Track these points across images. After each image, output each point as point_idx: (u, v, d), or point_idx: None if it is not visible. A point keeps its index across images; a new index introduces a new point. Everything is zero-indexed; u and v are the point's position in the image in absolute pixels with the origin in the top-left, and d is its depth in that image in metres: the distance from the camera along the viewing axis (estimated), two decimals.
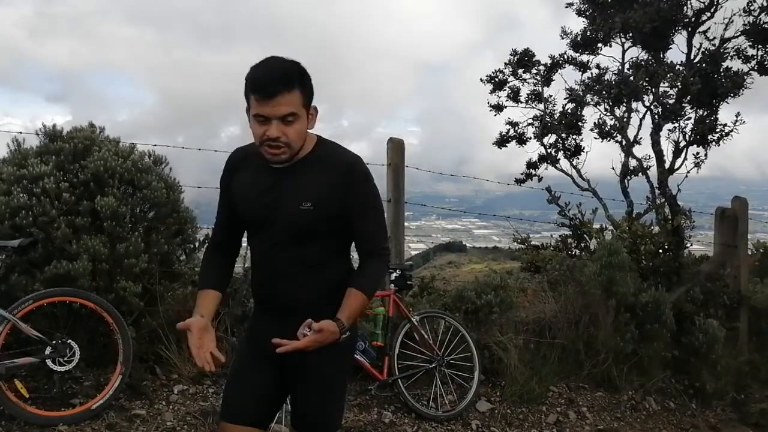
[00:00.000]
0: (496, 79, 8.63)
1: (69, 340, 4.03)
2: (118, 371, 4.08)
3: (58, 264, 4.15)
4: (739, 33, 7.38)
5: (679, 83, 7.27)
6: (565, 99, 8.33)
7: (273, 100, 2.04)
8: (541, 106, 8.61)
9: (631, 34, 7.63)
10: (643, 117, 7.83)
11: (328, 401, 2.38)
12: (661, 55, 7.58)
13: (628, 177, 8.03)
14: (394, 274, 4.94)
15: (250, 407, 2.35)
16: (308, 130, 2.21)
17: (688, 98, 7.37)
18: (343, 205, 2.21)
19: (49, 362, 3.96)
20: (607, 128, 8.01)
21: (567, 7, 8.23)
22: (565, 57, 8.38)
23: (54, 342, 3.97)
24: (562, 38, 8.28)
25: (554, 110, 8.52)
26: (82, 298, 4.05)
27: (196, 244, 5.10)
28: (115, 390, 4.06)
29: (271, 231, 2.24)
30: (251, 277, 2.42)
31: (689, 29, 7.46)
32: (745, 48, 7.47)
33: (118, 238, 4.39)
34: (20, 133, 4.68)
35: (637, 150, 7.93)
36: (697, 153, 7.66)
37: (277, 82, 2.05)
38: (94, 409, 3.97)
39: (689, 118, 7.60)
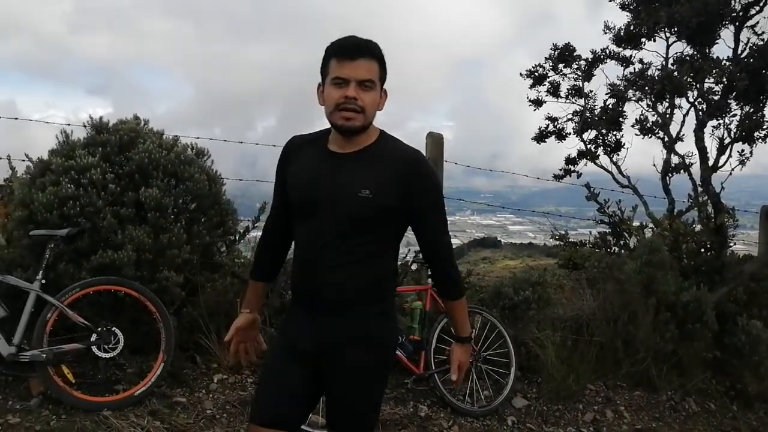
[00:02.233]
0: (536, 74, 8.55)
1: (113, 328, 4.13)
2: (160, 359, 4.17)
3: (104, 253, 4.25)
4: None
5: (725, 79, 7.11)
6: (606, 94, 8.22)
7: (355, 62, 2.11)
8: (582, 101, 8.51)
9: (676, 29, 7.47)
10: (687, 113, 7.68)
11: (367, 398, 2.34)
12: (707, 50, 7.42)
13: (670, 174, 7.89)
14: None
15: (283, 409, 2.30)
16: (377, 113, 2.22)
17: (734, 94, 7.20)
18: (403, 200, 2.19)
19: (94, 349, 4.07)
20: (649, 124, 7.87)
21: (610, 1, 8.10)
22: (607, 52, 8.25)
23: (99, 329, 4.08)
24: (605, 32, 8.15)
25: (595, 106, 8.41)
26: (126, 287, 4.15)
27: (237, 236, 5.17)
28: (157, 377, 4.15)
29: (325, 217, 2.19)
30: (293, 270, 2.35)
31: (737, 24, 7.28)
32: None
33: (162, 229, 4.47)
34: (68, 125, 4.80)
35: (679, 147, 7.79)
36: (742, 150, 7.49)
37: (362, 47, 2.14)
38: (137, 395, 4.06)
39: (734, 115, 7.42)
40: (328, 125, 2.24)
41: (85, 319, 4.05)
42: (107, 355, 4.09)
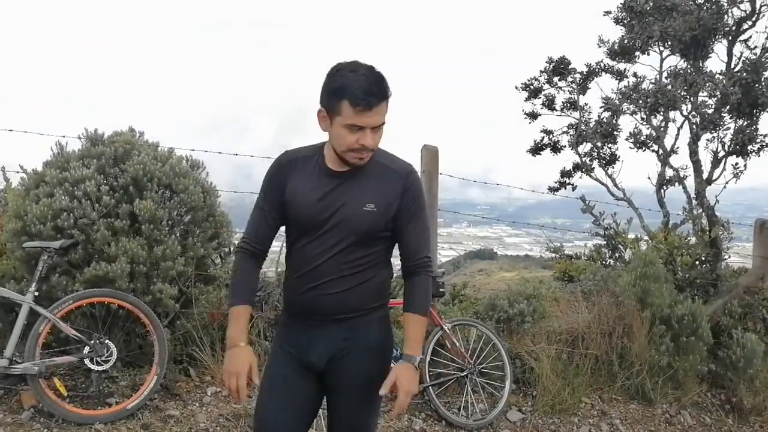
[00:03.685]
0: (531, 87, 8.61)
1: (107, 340, 4.11)
2: (153, 372, 4.15)
3: (98, 265, 4.24)
4: None
5: (718, 93, 7.16)
6: (600, 107, 8.27)
7: (372, 110, 2.09)
8: (577, 114, 8.56)
9: (669, 43, 7.54)
10: (681, 126, 7.75)
11: (366, 407, 2.39)
12: (701, 64, 7.48)
13: (665, 187, 7.94)
14: None
15: (289, 421, 2.33)
16: None
17: (728, 108, 7.25)
18: (400, 209, 2.27)
19: (87, 361, 4.05)
20: (643, 138, 7.93)
21: (605, 15, 8.17)
22: (602, 65, 8.31)
23: (92, 342, 4.06)
24: (599, 46, 8.23)
25: (590, 119, 8.46)
26: (119, 299, 4.13)
27: (231, 248, 5.16)
28: (150, 390, 4.12)
29: (331, 233, 2.22)
30: (291, 285, 2.34)
31: (730, 38, 7.35)
32: None
33: (156, 241, 4.47)
34: (63, 136, 4.79)
35: (674, 160, 7.86)
36: (736, 163, 7.53)
37: (377, 94, 2.10)
38: (130, 408, 4.03)
39: (728, 128, 7.48)
40: (322, 137, 2.29)
41: (78, 332, 4.03)
42: (100, 368, 4.07)
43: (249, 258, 2.39)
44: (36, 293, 4.00)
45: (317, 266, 2.25)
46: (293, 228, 2.32)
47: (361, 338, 2.31)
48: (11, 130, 4.79)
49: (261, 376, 2.38)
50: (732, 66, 7.41)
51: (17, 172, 4.93)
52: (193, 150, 5.09)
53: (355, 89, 2.07)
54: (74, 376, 4.32)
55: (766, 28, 7.25)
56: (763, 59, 7.26)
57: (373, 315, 2.34)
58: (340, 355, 2.29)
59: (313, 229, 2.25)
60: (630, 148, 8.07)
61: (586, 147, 8.53)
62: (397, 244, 2.37)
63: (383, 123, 2.17)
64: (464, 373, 4.89)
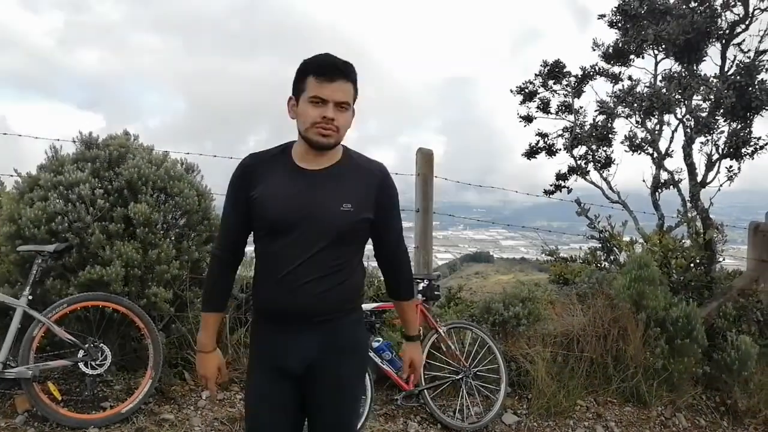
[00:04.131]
0: (526, 90, 8.63)
1: (101, 344, 4.11)
2: (147, 376, 4.14)
3: (92, 269, 4.23)
4: None
5: (712, 96, 7.18)
6: (595, 111, 8.29)
7: (334, 83, 2.14)
8: (572, 117, 8.58)
9: (663, 46, 7.57)
10: (675, 129, 7.78)
11: (353, 406, 2.42)
12: (695, 68, 7.51)
13: (660, 190, 7.97)
14: (422, 284, 4.94)
15: (282, 429, 2.34)
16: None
17: (722, 111, 7.28)
18: (375, 210, 2.29)
19: (81, 365, 4.04)
20: (638, 141, 7.95)
21: (599, 18, 8.19)
22: (597, 68, 8.34)
23: (86, 345, 4.05)
24: (594, 50, 8.25)
25: (585, 122, 8.48)
26: (114, 303, 4.13)
27: None
28: (144, 394, 4.11)
29: (305, 233, 2.19)
30: (264, 288, 2.29)
31: (723, 41, 7.38)
32: None
33: (151, 244, 4.46)
34: (57, 140, 4.79)
35: (668, 163, 7.89)
36: (730, 166, 7.56)
37: (341, 69, 2.17)
38: (124, 412, 4.03)
39: (722, 131, 7.50)
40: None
41: (72, 336, 4.03)
42: (94, 372, 4.06)
43: (221, 265, 2.41)
44: (30, 297, 3.99)
45: (294, 268, 2.20)
46: (264, 230, 2.27)
47: (339, 341, 2.31)
48: (5, 134, 4.78)
49: (245, 388, 2.44)
50: (726, 69, 7.45)
51: (11, 175, 4.91)
52: (188, 153, 5.09)
53: (318, 62, 2.18)
54: (68, 380, 4.31)
55: (759, 31, 7.27)
56: (756, 62, 7.29)
57: (349, 317, 2.34)
58: (318, 359, 2.27)
59: (285, 229, 2.21)
60: (625, 151, 8.10)
61: (581, 150, 8.55)
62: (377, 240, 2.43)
63: (348, 104, 2.19)
64: (460, 376, 4.89)
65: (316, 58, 2.19)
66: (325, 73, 2.14)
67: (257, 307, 2.38)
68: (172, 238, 4.65)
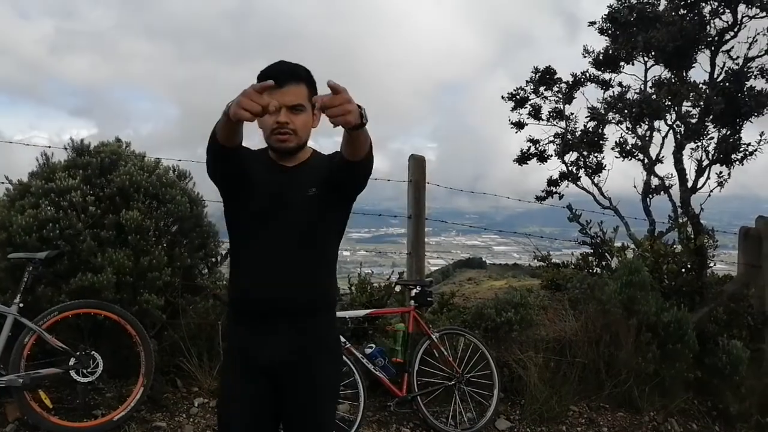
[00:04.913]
0: (518, 97, 8.65)
1: (92, 352, 4.09)
2: (140, 383, 4.12)
3: (83, 276, 4.21)
4: (763, 52, 7.32)
5: (701, 102, 7.23)
6: (586, 117, 8.32)
7: (282, 88, 2.15)
8: (563, 123, 8.61)
9: (653, 53, 7.61)
10: (666, 136, 7.81)
11: (329, 407, 2.44)
12: (684, 74, 7.55)
13: (650, 195, 8.00)
14: (415, 291, 4.95)
15: (253, 428, 2.34)
16: (311, 131, 2.32)
17: (711, 117, 7.33)
18: (330, 166, 2.28)
19: (72, 373, 4.02)
20: (628, 147, 7.99)
21: (589, 25, 8.24)
22: (587, 75, 8.37)
23: (78, 353, 4.03)
24: (584, 56, 8.28)
25: (576, 128, 8.51)
26: (106, 310, 4.11)
27: (218, 258, 5.15)
28: (136, 402, 4.10)
29: (280, 225, 2.27)
30: (240, 282, 2.35)
31: (712, 48, 7.43)
32: None
33: (142, 251, 4.45)
34: (49, 147, 4.78)
35: (659, 169, 7.91)
36: (720, 172, 7.60)
37: (286, 73, 2.20)
38: (116, 420, 4.01)
39: (712, 138, 7.55)
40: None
41: (63, 343, 4.00)
42: (86, 380, 4.04)
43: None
44: (21, 305, 3.97)
45: (266, 262, 2.28)
46: (241, 220, 2.35)
47: (312, 339, 2.32)
48: None
49: (219, 388, 2.36)
50: (715, 76, 7.49)
51: (2, 182, 4.90)
52: (179, 160, 5.08)
53: (267, 71, 2.20)
54: (60, 388, 4.29)
55: (748, 38, 7.32)
56: (745, 69, 7.34)
57: (322, 316, 2.38)
58: (292, 358, 2.29)
59: (261, 220, 2.29)
60: (616, 157, 8.13)
61: (572, 156, 8.58)
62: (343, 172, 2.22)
63: (302, 105, 2.21)
64: (452, 382, 4.89)
65: (267, 67, 2.23)
66: (274, 81, 2.07)
67: (231, 300, 2.42)
68: (164, 244, 4.63)
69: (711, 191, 7.53)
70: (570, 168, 8.57)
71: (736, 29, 7.31)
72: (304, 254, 2.29)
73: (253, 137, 2.33)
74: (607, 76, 8.36)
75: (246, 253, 2.34)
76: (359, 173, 2.22)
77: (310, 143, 2.40)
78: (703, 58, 7.56)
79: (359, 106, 1.92)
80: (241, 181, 2.28)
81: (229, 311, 2.44)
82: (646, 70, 7.99)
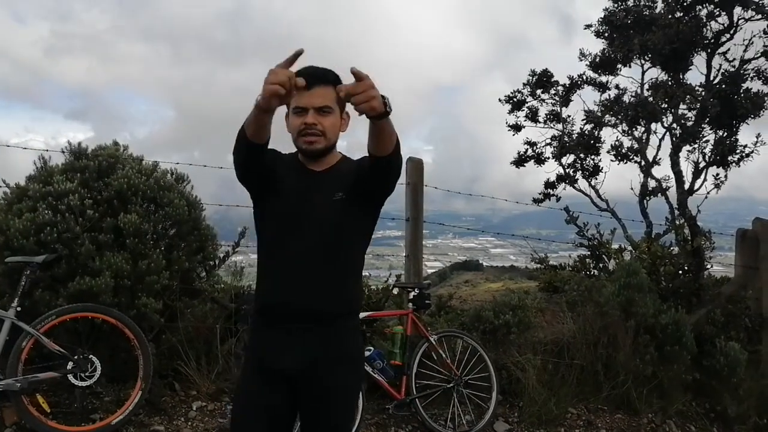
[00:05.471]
0: (515, 99, 8.68)
1: (90, 356, 4.08)
2: (138, 387, 4.11)
3: (81, 280, 4.20)
4: (759, 54, 7.37)
5: (698, 105, 7.26)
6: (583, 120, 8.35)
7: (311, 90, 2.19)
8: (560, 126, 8.63)
9: (650, 56, 7.64)
10: (662, 138, 7.84)
11: (347, 413, 2.43)
12: (681, 77, 7.58)
13: (647, 198, 8.02)
14: (413, 293, 4.94)
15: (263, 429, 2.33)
16: (339, 135, 2.34)
17: (708, 120, 7.35)
18: (358, 171, 2.28)
19: (70, 377, 4.01)
20: (624, 150, 8.01)
21: (586, 28, 8.27)
22: (584, 77, 8.40)
23: (76, 357, 4.02)
24: (581, 59, 8.31)
25: (572, 131, 8.54)
26: (103, 314, 4.10)
27: (217, 261, 5.14)
28: (135, 405, 4.08)
29: (306, 229, 2.28)
30: (265, 287, 2.36)
31: (709, 50, 7.46)
32: (765, 69, 7.45)
33: (140, 254, 4.44)
34: (46, 150, 4.77)
35: (656, 171, 7.94)
36: (717, 174, 7.63)
37: (317, 76, 2.23)
38: (114, 424, 4.00)
39: (708, 140, 7.58)
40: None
41: (61, 347, 3.99)
42: (84, 384, 4.03)
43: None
44: (18, 308, 3.96)
45: (291, 265, 2.29)
46: (267, 224, 2.37)
47: (335, 348, 2.32)
48: None
49: (235, 391, 2.35)
50: (711, 78, 7.52)
51: None
52: (177, 163, 5.08)
53: (297, 75, 2.13)
54: (58, 392, 4.27)
55: (744, 40, 7.36)
56: (741, 71, 7.38)
57: (346, 324, 2.36)
58: (313, 365, 2.28)
59: (289, 224, 2.29)
60: (612, 160, 8.16)
61: (569, 158, 8.60)
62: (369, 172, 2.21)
63: (329, 107, 2.24)
64: (451, 385, 4.89)
65: (297, 70, 2.16)
66: (304, 83, 2.13)
67: (256, 305, 2.41)
68: (162, 248, 4.63)
69: (708, 193, 7.57)
70: (567, 170, 8.60)
71: (732, 31, 7.35)
72: (329, 260, 2.29)
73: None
74: (603, 78, 8.41)
75: (271, 258, 2.36)
76: (386, 171, 2.20)
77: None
78: (699, 60, 7.61)
79: (383, 96, 1.94)
80: (267, 182, 2.31)
81: (253, 314, 2.45)
82: (643, 73, 8.04)
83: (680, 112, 7.51)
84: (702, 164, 7.60)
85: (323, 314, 2.29)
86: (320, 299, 2.27)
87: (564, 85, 8.55)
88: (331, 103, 2.25)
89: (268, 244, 2.37)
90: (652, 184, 7.98)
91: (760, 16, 7.20)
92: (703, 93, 7.29)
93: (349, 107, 2.16)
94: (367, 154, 2.19)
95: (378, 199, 2.36)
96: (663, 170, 8.29)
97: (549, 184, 8.82)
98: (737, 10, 7.25)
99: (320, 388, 2.30)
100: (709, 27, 7.37)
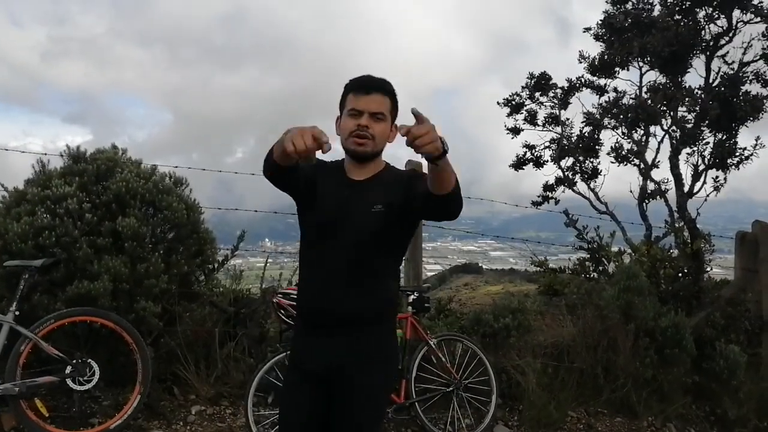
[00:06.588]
0: (513, 102, 8.68)
1: (89, 360, 4.07)
2: (136, 391, 4.10)
3: (80, 284, 4.19)
4: (758, 57, 7.38)
5: (697, 107, 7.26)
6: (582, 122, 8.35)
7: (368, 96, 2.32)
8: (559, 129, 8.63)
9: (649, 59, 7.64)
10: (662, 141, 7.84)
11: (378, 415, 2.50)
12: (680, 79, 7.59)
13: (647, 200, 8.01)
14: (412, 297, 4.93)
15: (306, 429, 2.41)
16: (387, 144, 2.42)
17: (707, 122, 7.35)
18: (406, 193, 2.30)
19: (69, 381, 4.00)
20: (624, 152, 8.01)
21: (585, 31, 8.27)
22: (583, 80, 8.40)
23: (74, 361, 4.01)
24: (580, 62, 8.31)
25: (571, 133, 8.54)
26: (102, 318, 4.09)
27: (215, 264, 5.13)
28: (133, 410, 4.07)
29: (344, 236, 2.33)
30: (305, 290, 2.46)
31: (708, 53, 7.47)
32: (764, 72, 7.47)
33: (139, 258, 4.43)
34: (45, 154, 4.76)
35: (655, 173, 7.94)
36: (716, 177, 7.63)
37: (376, 83, 2.35)
38: (113, 429, 3.99)
39: (707, 142, 7.58)
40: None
41: (59, 351, 3.98)
42: (82, 388, 4.02)
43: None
44: (17, 312, 3.95)
45: (330, 271, 2.35)
46: (308, 231, 2.44)
47: (372, 350, 2.38)
48: None
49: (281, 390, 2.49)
50: (710, 81, 7.53)
51: None
52: (176, 167, 5.07)
53: (357, 80, 2.38)
54: (56, 397, 4.26)
55: (742, 43, 7.37)
56: (740, 74, 7.38)
57: (380, 327, 2.42)
58: (347, 366, 2.35)
59: (327, 231, 2.36)
60: (611, 162, 8.15)
61: (568, 161, 8.61)
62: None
63: (383, 114, 2.33)
64: (450, 389, 4.87)
65: (357, 78, 2.38)
66: (362, 88, 2.33)
67: (297, 308, 2.52)
68: (161, 252, 4.62)
69: (707, 196, 7.56)
70: (566, 173, 8.60)
71: (731, 34, 7.36)
72: (364, 268, 2.34)
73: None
74: (602, 81, 8.41)
75: (310, 265, 2.44)
76: (445, 207, 2.19)
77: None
78: (698, 63, 7.62)
79: (440, 137, 1.95)
80: (304, 194, 2.39)
81: (296, 315, 2.57)
82: (642, 76, 8.04)
83: (679, 114, 7.51)
84: (701, 167, 7.61)
85: (356, 319, 2.35)
86: (354, 305, 2.33)
87: (562, 88, 8.55)
88: (386, 111, 2.35)
89: (307, 250, 2.45)
90: (651, 186, 7.98)
91: (758, 18, 7.21)
92: (702, 95, 7.29)
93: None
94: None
95: (425, 219, 2.45)
96: (662, 173, 8.31)
97: (548, 187, 8.82)
98: (736, 13, 7.27)
99: (350, 386, 2.36)
100: (708, 30, 7.38)
